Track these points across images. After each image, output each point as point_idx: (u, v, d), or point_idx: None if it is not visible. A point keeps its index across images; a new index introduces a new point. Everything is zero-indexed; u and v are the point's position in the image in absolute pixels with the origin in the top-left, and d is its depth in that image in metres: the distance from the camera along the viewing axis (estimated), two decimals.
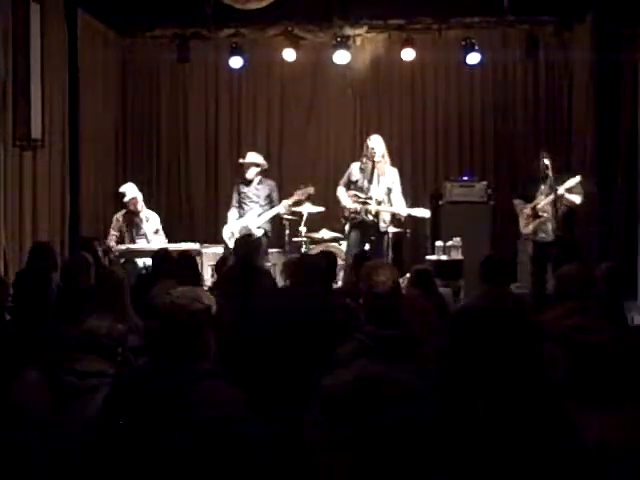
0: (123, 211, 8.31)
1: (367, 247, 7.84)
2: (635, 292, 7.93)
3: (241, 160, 8.78)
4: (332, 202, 8.45)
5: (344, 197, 7.94)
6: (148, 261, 7.09)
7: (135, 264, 7.80)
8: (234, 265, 6.00)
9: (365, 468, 2.08)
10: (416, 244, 9.63)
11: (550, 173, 7.60)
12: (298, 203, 8.63)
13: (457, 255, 8.43)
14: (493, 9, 9.08)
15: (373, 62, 10.00)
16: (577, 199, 7.52)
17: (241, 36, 9.86)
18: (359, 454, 2.08)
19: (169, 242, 8.37)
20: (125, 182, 8.85)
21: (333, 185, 8.39)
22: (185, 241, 8.76)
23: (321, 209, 8.84)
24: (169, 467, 2.42)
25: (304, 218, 8.77)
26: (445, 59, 9.77)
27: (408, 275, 6.46)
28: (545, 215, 7.58)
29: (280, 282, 6.26)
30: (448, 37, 9.68)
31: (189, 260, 5.80)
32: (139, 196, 8.30)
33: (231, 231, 8.56)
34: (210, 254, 8.53)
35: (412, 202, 8.57)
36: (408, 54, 9.45)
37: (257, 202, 8.61)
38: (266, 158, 9.25)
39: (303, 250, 8.69)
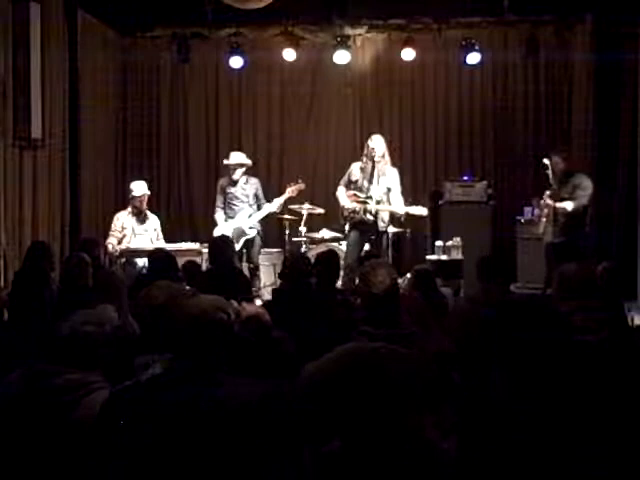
0: (124, 211, 8.29)
1: (367, 247, 7.84)
2: (635, 292, 7.93)
3: (226, 161, 8.67)
4: (332, 202, 8.45)
5: (343, 197, 7.93)
6: None
7: (135, 264, 7.80)
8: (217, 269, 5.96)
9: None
10: (416, 244, 9.63)
11: (550, 174, 7.60)
12: (290, 200, 8.61)
13: (457, 255, 8.43)
14: (493, 9, 9.09)
15: (373, 62, 10.01)
16: (569, 205, 7.38)
17: (241, 36, 9.86)
18: None
19: (169, 242, 8.36)
20: (125, 182, 8.85)
21: (333, 185, 8.38)
22: (185, 241, 8.76)
23: (321, 210, 8.84)
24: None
25: (304, 218, 8.77)
26: (445, 59, 9.77)
27: (408, 275, 6.47)
28: (546, 218, 7.59)
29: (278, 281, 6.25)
30: (448, 37, 9.67)
31: (169, 259, 5.74)
32: (147, 195, 8.28)
33: (222, 233, 8.48)
34: None
35: (412, 202, 8.56)
36: (408, 54, 9.44)
37: (246, 202, 8.53)
38: (266, 158, 9.26)
39: (303, 250, 8.69)
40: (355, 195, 7.85)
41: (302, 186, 8.51)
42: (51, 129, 8.19)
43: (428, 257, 8.67)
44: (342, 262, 7.98)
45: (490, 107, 9.91)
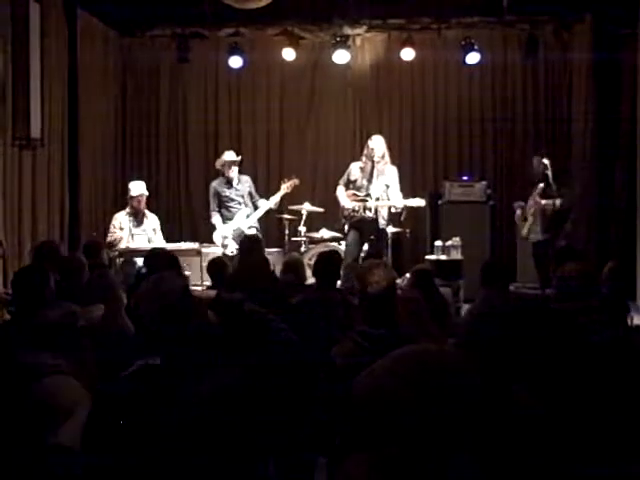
0: (123, 211, 8.29)
1: (366, 247, 7.85)
2: (634, 292, 7.93)
3: (222, 160, 8.54)
4: (332, 202, 8.45)
5: (343, 197, 7.95)
6: None
7: (134, 263, 7.79)
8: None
9: None
10: (416, 244, 9.64)
11: (549, 173, 7.64)
12: (288, 197, 8.62)
13: (457, 255, 8.43)
14: (493, 9, 9.09)
15: (372, 62, 10.01)
16: (557, 202, 7.56)
17: (241, 35, 9.87)
18: None
19: (168, 242, 8.35)
20: (124, 181, 8.84)
21: (333, 184, 8.39)
22: (185, 241, 8.76)
23: (320, 209, 8.84)
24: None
25: (303, 218, 8.77)
26: (445, 59, 9.77)
27: (408, 275, 6.47)
28: (532, 217, 7.65)
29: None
30: (448, 37, 9.68)
31: (167, 258, 5.73)
32: (145, 195, 8.26)
33: (223, 235, 8.47)
34: (210, 254, 8.51)
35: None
36: (408, 54, 9.45)
37: (242, 202, 8.49)
38: (266, 157, 9.24)
39: (302, 250, 8.69)
40: (354, 195, 7.86)
41: (296, 181, 8.51)
42: (50, 129, 8.19)
43: (427, 257, 8.67)
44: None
45: (489, 107, 9.91)
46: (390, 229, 8.08)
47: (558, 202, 7.55)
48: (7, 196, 7.40)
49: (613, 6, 8.66)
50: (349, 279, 7.21)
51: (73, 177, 8.76)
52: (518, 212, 8.15)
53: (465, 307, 7.78)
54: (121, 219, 8.15)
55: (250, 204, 8.50)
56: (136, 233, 8.15)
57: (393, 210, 8.02)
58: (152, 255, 6.01)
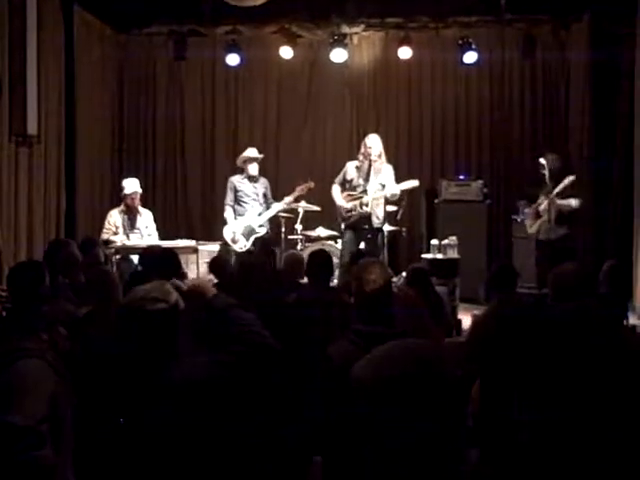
0: (117, 208, 8.27)
1: (362, 246, 7.84)
2: (631, 292, 7.93)
3: (247, 155, 8.60)
4: (328, 200, 8.43)
5: (339, 197, 7.93)
6: None
7: (130, 261, 7.79)
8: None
9: None
10: (412, 243, 9.65)
11: (547, 174, 7.61)
12: (298, 199, 8.63)
13: (453, 254, 8.42)
14: (490, 8, 9.09)
15: (370, 60, 10.01)
16: (573, 202, 7.48)
17: (238, 33, 9.85)
18: None
19: (165, 239, 8.34)
20: (121, 179, 8.81)
21: (329, 183, 8.37)
22: (181, 238, 8.75)
23: (317, 208, 8.83)
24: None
25: (300, 216, 8.77)
26: (442, 58, 9.77)
27: (404, 274, 6.47)
28: (545, 215, 7.59)
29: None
30: (445, 36, 9.68)
31: (171, 256, 5.72)
32: (139, 192, 8.25)
33: (233, 231, 8.49)
34: (206, 251, 8.51)
35: (407, 200, 8.60)
36: (405, 52, 9.44)
37: (257, 200, 8.56)
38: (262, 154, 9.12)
39: (299, 248, 8.69)
40: (349, 195, 7.85)
41: (311, 185, 8.49)
42: (47, 125, 8.17)
43: (424, 256, 8.67)
44: (338, 261, 8.00)
45: (487, 106, 9.92)
46: (386, 228, 8.08)
47: (574, 203, 7.50)
48: (3, 193, 7.39)
49: (611, 5, 8.66)
50: (345, 278, 7.23)
51: (70, 173, 8.75)
52: (527, 210, 8.09)
53: (461, 306, 7.80)
54: (115, 217, 8.13)
55: (264, 205, 8.53)
56: (130, 231, 8.13)
57: (389, 208, 7.99)
58: (148, 252, 6.02)
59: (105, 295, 4.16)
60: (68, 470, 2.70)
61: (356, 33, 9.87)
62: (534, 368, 2.45)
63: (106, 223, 8.15)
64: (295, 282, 5.45)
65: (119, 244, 7.95)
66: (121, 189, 8.27)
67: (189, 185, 10.43)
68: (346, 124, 10.15)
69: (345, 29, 9.61)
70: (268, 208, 8.55)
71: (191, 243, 8.34)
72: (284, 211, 8.75)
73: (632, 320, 6.07)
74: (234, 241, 8.42)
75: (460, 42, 9.29)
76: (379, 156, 7.79)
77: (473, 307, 7.74)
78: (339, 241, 8.52)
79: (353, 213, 7.81)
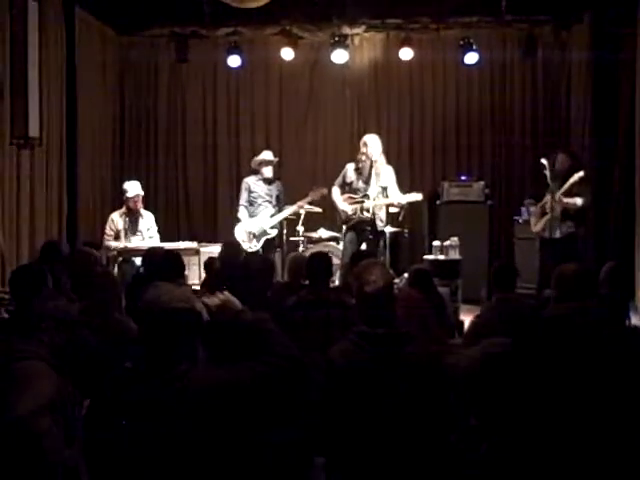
0: (119, 210, 8.27)
1: (364, 247, 7.83)
2: (633, 292, 7.92)
3: (262, 158, 8.62)
4: (330, 202, 8.44)
5: (339, 200, 7.92)
6: None
7: (133, 263, 7.79)
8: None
9: None
10: (414, 244, 9.64)
11: (548, 174, 7.62)
12: (311, 203, 8.64)
13: (455, 255, 8.43)
14: (491, 9, 9.07)
15: (371, 61, 10.01)
16: (579, 200, 7.48)
17: (239, 35, 9.85)
18: None
19: (167, 241, 8.34)
20: (122, 181, 8.82)
21: (331, 184, 8.37)
22: (183, 240, 8.75)
23: (319, 209, 8.83)
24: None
25: (302, 217, 8.77)
26: (443, 59, 9.78)
27: (406, 275, 6.47)
28: (551, 213, 7.59)
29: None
30: (446, 37, 9.67)
31: (175, 259, 5.73)
32: (141, 195, 8.26)
33: (247, 231, 8.50)
34: (208, 253, 8.51)
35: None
36: (406, 53, 9.44)
37: (270, 201, 8.58)
38: None
39: (301, 249, 8.69)
40: (350, 198, 7.85)
41: (324, 191, 8.47)
42: (48, 128, 8.16)
43: (426, 257, 8.67)
44: (339, 262, 8.00)
45: (488, 107, 9.91)
46: (388, 229, 8.07)
47: (580, 201, 7.50)
48: (5, 195, 7.38)
49: (612, 6, 8.66)
50: (346, 279, 7.23)
51: (71, 176, 8.74)
52: (532, 209, 8.10)
53: (463, 307, 7.79)
54: (116, 220, 8.13)
55: (277, 207, 8.56)
56: (132, 233, 8.14)
57: (391, 210, 8.01)
58: (150, 255, 6.02)
59: (105, 296, 4.17)
60: (82, 469, 2.70)
61: (357, 34, 9.87)
62: (534, 368, 2.45)
63: (107, 229, 8.14)
64: (299, 284, 5.46)
65: (121, 246, 7.96)
66: (122, 192, 8.28)
67: (190, 187, 10.42)
68: (347, 125, 10.15)
69: (346, 30, 9.60)
70: (281, 210, 8.56)
71: (193, 245, 8.34)
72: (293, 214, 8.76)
73: (634, 320, 6.06)
74: (245, 241, 8.43)
75: (461, 43, 9.28)
76: (379, 156, 7.78)
77: (475, 308, 7.72)
78: (341, 242, 8.51)
79: (354, 217, 7.81)
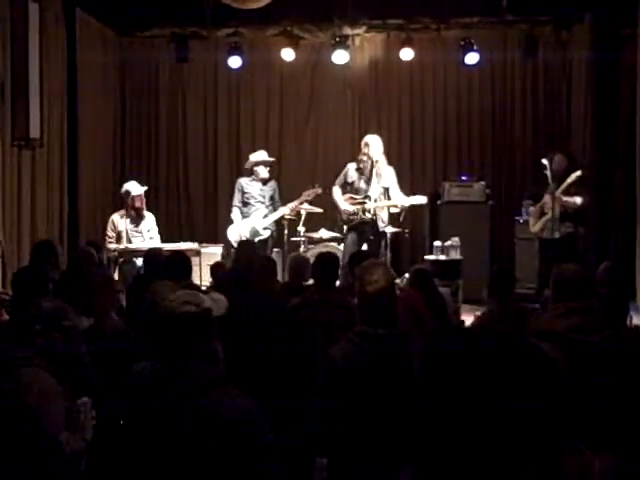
0: (119, 212, 8.26)
1: (365, 248, 7.83)
2: (634, 292, 7.92)
3: (256, 159, 8.62)
4: (331, 202, 8.44)
5: (340, 200, 7.92)
6: None
7: (134, 264, 7.79)
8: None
9: None
10: (415, 244, 9.64)
11: (549, 174, 7.61)
12: (310, 204, 8.63)
13: (456, 255, 8.43)
14: (492, 9, 9.08)
15: (372, 62, 10.00)
16: (578, 200, 7.47)
17: (240, 36, 9.85)
18: None
19: (168, 242, 8.34)
20: (123, 182, 8.80)
21: (332, 185, 8.37)
22: (184, 241, 8.75)
23: (320, 209, 8.83)
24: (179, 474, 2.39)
25: (302, 218, 8.77)
26: (444, 59, 9.77)
27: (407, 275, 6.47)
28: (550, 213, 7.58)
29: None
30: (447, 37, 9.67)
31: (181, 259, 5.72)
32: (143, 194, 8.26)
33: (238, 232, 8.50)
34: (209, 254, 8.51)
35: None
36: (407, 54, 9.44)
37: (263, 202, 8.55)
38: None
39: (302, 250, 8.69)
40: (352, 198, 7.85)
41: (319, 191, 8.48)
42: (49, 129, 8.18)
43: (426, 257, 8.67)
44: (340, 262, 8.00)
45: (488, 107, 9.90)
46: (389, 229, 8.07)
47: (579, 200, 7.50)
48: (6, 196, 7.39)
49: (612, 6, 8.67)
50: (348, 279, 7.23)
51: (72, 177, 8.75)
52: (532, 208, 8.10)
53: (464, 307, 7.79)
54: (117, 221, 8.13)
55: (271, 207, 8.55)
56: (133, 234, 8.13)
57: (392, 210, 8.00)
58: (150, 255, 6.02)
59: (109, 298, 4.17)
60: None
61: (358, 35, 9.87)
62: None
63: (108, 230, 8.13)
64: (299, 284, 5.46)
65: (122, 247, 7.96)
66: (125, 193, 8.25)
67: (191, 187, 10.42)
68: (348, 125, 10.14)
69: (347, 31, 9.61)
70: (275, 210, 8.56)
71: (193, 246, 8.33)
72: (291, 214, 8.76)
73: (636, 320, 6.06)
74: (237, 242, 8.42)
75: (462, 43, 9.28)
76: (380, 157, 7.78)
77: (476, 308, 7.72)
78: (341, 243, 8.51)
79: (355, 217, 7.81)
